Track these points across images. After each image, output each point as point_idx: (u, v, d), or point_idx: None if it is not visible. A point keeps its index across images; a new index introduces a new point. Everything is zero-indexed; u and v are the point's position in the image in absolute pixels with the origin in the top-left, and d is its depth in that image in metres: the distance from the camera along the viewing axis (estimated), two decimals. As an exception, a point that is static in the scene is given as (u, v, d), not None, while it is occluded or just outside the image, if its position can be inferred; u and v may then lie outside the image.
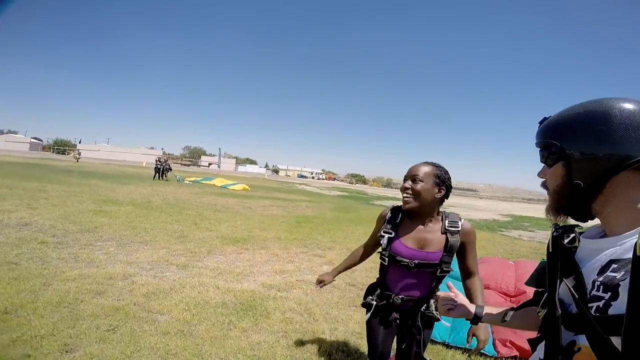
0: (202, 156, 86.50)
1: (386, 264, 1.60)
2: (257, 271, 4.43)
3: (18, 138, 69.35)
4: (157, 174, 20.78)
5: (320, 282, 1.93)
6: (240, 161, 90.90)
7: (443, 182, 1.55)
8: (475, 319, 1.08)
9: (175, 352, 2.39)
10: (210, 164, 72.89)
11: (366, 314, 1.70)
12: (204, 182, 21.34)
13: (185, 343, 2.52)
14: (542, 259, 1.71)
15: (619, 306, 0.59)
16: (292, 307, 3.41)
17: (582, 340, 0.66)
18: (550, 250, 0.82)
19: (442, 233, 1.54)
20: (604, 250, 0.70)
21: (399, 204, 1.64)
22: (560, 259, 0.77)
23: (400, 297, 1.59)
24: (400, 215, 1.62)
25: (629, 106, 0.67)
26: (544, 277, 0.83)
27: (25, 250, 4.21)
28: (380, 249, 1.65)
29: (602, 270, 0.66)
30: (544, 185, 0.82)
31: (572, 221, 0.81)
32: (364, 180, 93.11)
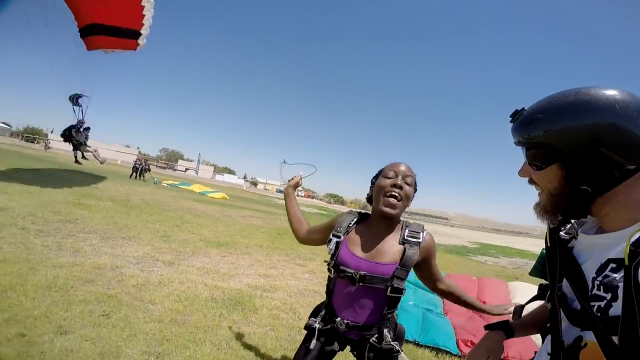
0: (179, 160, 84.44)
1: (332, 275, 1.34)
2: (242, 273, 4.57)
3: (-16, 123, 65.17)
4: (135, 174, 20.33)
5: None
6: (218, 169, 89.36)
7: (415, 192, 1.43)
8: (510, 333, 1.01)
9: (170, 338, 2.51)
10: (187, 169, 71.20)
11: (306, 339, 1.39)
12: (181, 186, 21.00)
13: (180, 330, 2.65)
14: (543, 249, 1.92)
15: (618, 307, 0.59)
16: (277, 305, 3.60)
17: (589, 336, 0.66)
18: (549, 245, 0.81)
19: (399, 243, 1.32)
20: (601, 247, 0.69)
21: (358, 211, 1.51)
22: (559, 254, 0.76)
23: (345, 321, 1.30)
24: (355, 220, 1.42)
25: (628, 98, 0.63)
26: (546, 268, 0.82)
27: (5, 234, 4.16)
28: (327, 258, 1.40)
29: (601, 269, 0.66)
30: (531, 182, 0.78)
31: None
32: (342, 201, 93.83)
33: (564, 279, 0.75)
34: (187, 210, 10.06)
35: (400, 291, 1.28)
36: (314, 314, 1.44)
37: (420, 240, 1.33)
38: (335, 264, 1.32)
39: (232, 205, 15.70)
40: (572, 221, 0.79)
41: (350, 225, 1.40)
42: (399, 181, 1.31)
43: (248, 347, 2.63)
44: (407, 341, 3.20)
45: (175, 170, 69.57)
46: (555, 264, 0.76)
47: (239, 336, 2.74)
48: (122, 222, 6.30)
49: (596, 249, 0.70)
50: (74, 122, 10.89)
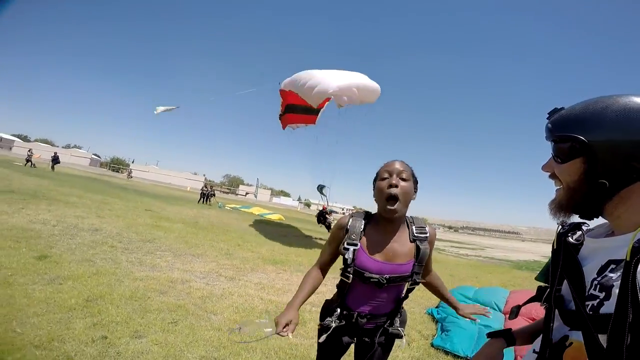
0: (240, 185, 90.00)
1: (349, 281, 1.36)
2: (295, 289, 4.70)
3: (81, 153, 76.88)
4: (202, 199, 22.22)
5: (286, 326, 1.22)
6: (275, 192, 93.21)
7: (417, 182, 1.44)
8: (512, 341, 1.01)
9: (226, 345, 2.74)
10: (247, 193, 75.32)
11: (319, 336, 1.44)
12: (242, 209, 22.32)
13: (235, 339, 2.87)
14: None
15: (610, 306, 0.60)
16: (326, 321, 3.69)
17: (576, 336, 0.68)
18: (555, 247, 0.82)
19: (411, 241, 1.39)
20: (605, 249, 0.70)
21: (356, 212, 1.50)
22: (563, 257, 0.77)
23: (365, 315, 1.40)
24: (364, 224, 1.41)
25: None
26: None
27: (99, 251, 4.90)
28: (341, 265, 1.41)
29: (602, 270, 0.67)
30: (553, 176, 0.80)
31: (576, 218, 0.80)
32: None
33: (565, 280, 0.76)
34: (248, 231, 10.73)
35: (418, 283, 1.41)
36: (327, 312, 1.46)
37: (427, 235, 1.41)
38: (357, 270, 1.34)
39: (287, 225, 16.27)
40: (583, 228, 0.81)
41: (361, 230, 1.38)
42: (394, 180, 1.33)
43: (294, 357, 2.76)
44: (459, 357, 3.10)
45: (237, 194, 73.98)
46: (558, 265, 0.78)
47: (287, 347, 2.89)
48: (192, 241, 6.97)
49: (600, 252, 0.71)
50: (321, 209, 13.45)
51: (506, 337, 1.00)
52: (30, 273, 3.51)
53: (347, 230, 1.39)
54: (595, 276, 0.68)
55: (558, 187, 0.79)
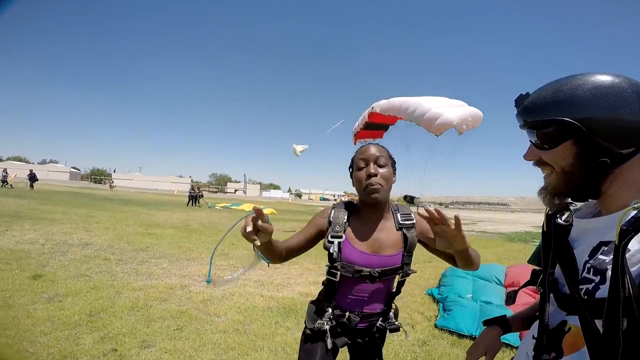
0: (227, 183, 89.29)
1: (337, 279, 1.25)
2: (294, 282, 4.85)
3: (59, 167, 74.77)
4: (191, 201, 22.03)
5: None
6: (264, 187, 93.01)
7: (395, 165, 1.35)
8: (507, 328, 1.01)
9: (234, 346, 2.79)
10: (236, 190, 74.88)
11: (306, 342, 1.34)
12: (233, 207, 22.18)
13: (241, 339, 2.93)
14: None
15: (606, 290, 0.58)
16: (329, 312, 3.78)
17: (573, 321, 0.67)
18: (545, 230, 0.81)
19: (397, 229, 1.31)
20: (595, 230, 0.69)
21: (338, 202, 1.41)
22: (553, 239, 0.76)
23: (357, 314, 1.29)
24: (347, 214, 1.31)
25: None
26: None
27: (92, 265, 4.85)
28: (327, 262, 1.30)
29: (593, 252, 0.67)
30: (539, 164, 0.77)
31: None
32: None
33: (557, 264, 0.75)
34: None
35: (408, 275, 1.31)
36: (317, 313, 1.33)
37: (414, 221, 1.32)
38: (345, 265, 1.24)
39: (280, 218, 16.29)
40: (571, 208, 0.79)
41: (345, 221, 1.28)
42: (372, 169, 1.23)
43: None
44: (464, 336, 3.19)
45: (226, 192, 73.38)
46: (549, 249, 0.77)
47: (293, 341, 2.95)
48: (185, 245, 6.95)
49: (590, 233, 0.70)
50: None
51: (501, 324, 1.00)
52: (28, 293, 3.47)
53: (330, 222, 1.29)
54: (588, 259, 0.67)
55: (546, 174, 0.76)
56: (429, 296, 4.47)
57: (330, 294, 1.31)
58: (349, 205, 1.37)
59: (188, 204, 21.85)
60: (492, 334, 1.00)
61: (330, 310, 1.30)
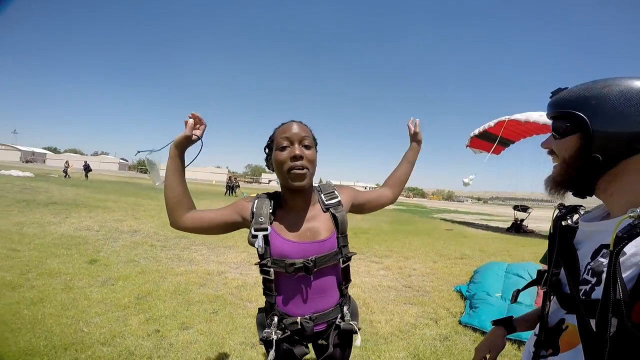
0: (262, 173, 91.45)
1: (272, 277, 1.13)
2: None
3: (109, 159, 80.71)
4: (228, 191, 23.00)
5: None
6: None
7: (316, 146, 1.23)
8: (511, 328, 1.05)
9: (262, 331, 3.00)
10: (270, 181, 76.55)
11: (267, 354, 1.18)
12: (267, 197, 22.86)
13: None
14: None
15: (600, 291, 0.61)
16: (353, 301, 3.90)
17: (571, 320, 0.70)
18: (552, 231, 0.84)
19: (324, 211, 1.21)
20: (598, 233, 0.72)
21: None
22: (558, 241, 0.79)
23: (309, 317, 1.15)
24: (271, 203, 1.19)
25: None
26: None
27: (140, 251, 5.31)
28: (257, 260, 1.20)
29: (595, 254, 0.69)
30: (550, 153, 0.81)
31: (572, 199, 0.81)
32: (422, 194, 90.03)
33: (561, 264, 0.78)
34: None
35: (349, 257, 1.22)
36: (263, 325, 1.22)
37: (339, 198, 1.24)
38: (275, 261, 1.12)
39: (313, 210, 16.51)
40: (580, 211, 0.83)
41: (270, 211, 1.16)
42: (297, 150, 1.11)
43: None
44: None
45: (260, 182, 75.23)
46: (554, 250, 0.79)
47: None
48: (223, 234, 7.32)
49: (594, 235, 0.73)
50: None
51: (506, 324, 1.05)
52: (85, 277, 3.90)
53: (253, 213, 1.15)
54: (589, 260, 0.69)
55: (555, 164, 0.80)
56: (457, 293, 4.43)
57: (271, 297, 1.18)
58: (272, 195, 1.24)
59: (226, 193, 22.83)
60: (497, 333, 1.06)
61: (276, 318, 1.16)
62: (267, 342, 1.15)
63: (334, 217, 1.20)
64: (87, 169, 25.85)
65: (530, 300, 3.80)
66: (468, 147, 14.27)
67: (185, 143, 1.19)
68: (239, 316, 3.23)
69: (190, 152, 1.23)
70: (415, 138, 1.61)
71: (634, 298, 0.56)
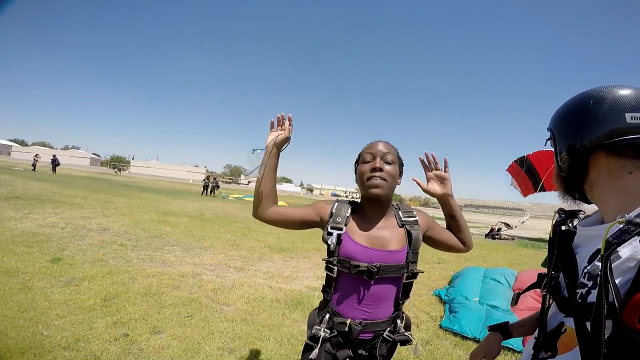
0: (241, 174, 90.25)
1: (334, 275, 1.18)
2: (302, 276, 4.90)
3: (80, 153, 77.40)
4: (205, 191, 22.42)
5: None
6: (277, 180, 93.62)
7: (402, 165, 1.32)
8: (507, 334, 1.07)
9: (241, 335, 2.86)
10: (249, 182, 75.72)
11: (304, 352, 1.25)
12: (246, 198, 22.47)
13: (249, 329, 2.99)
14: None
15: (595, 295, 0.62)
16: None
17: (570, 323, 0.71)
18: (551, 236, 0.85)
19: (400, 226, 1.25)
20: (595, 238, 0.73)
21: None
22: (557, 245, 0.81)
23: (359, 322, 1.16)
24: (350, 209, 1.26)
25: (601, 92, 0.73)
26: None
27: (109, 250, 5.02)
28: (325, 256, 1.24)
29: (591, 258, 0.70)
30: None
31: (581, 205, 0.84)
32: (399, 199, 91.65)
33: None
34: (253, 220, 10.60)
35: (416, 276, 1.22)
36: (312, 325, 1.24)
37: (417, 218, 1.28)
38: (341, 260, 1.17)
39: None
40: (580, 216, 0.85)
41: (348, 215, 1.23)
42: (378, 163, 1.19)
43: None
44: (467, 338, 3.18)
45: (239, 184, 74.24)
46: (553, 253, 0.81)
47: (299, 333, 3.00)
48: (199, 234, 7.10)
49: (591, 240, 0.74)
50: None
51: (502, 330, 1.06)
52: (46, 276, 3.62)
53: (331, 214, 1.24)
54: (586, 264, 0.70)
55: None
56: (436, 297, 4.45)
57: (328, 294, 1.22)
58: (352, 202, 1.32)
59: (202, 193, 22.26)
60: (493, 339, 1.07)
61: (328, 316, 1.20)
62: (313, 340, 1.18)
63: (409, 234, 1.23)
64: (54, 162, 24.58)
65: (507, 304, 3.88)
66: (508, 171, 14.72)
67: (284, 143, 1.32)
68: (216, 320, 3.09)
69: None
70: (443, 186, 1.36)
71: (625, 301, 0.57)
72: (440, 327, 3.44)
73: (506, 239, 14.61)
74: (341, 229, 1.18)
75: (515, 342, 2.93)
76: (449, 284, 4.82)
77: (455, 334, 3.28)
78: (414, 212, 1.30)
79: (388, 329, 1.21)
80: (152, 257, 4.92)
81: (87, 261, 4.34)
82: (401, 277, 1.21)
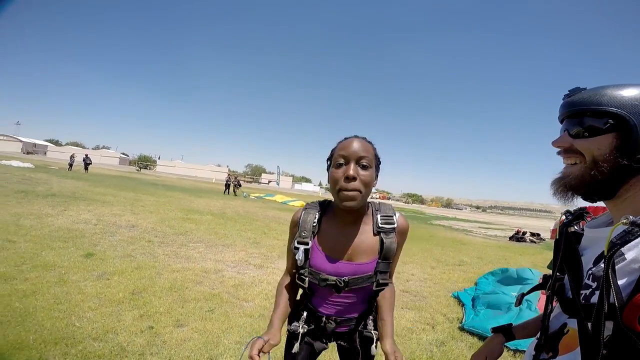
0: (262, 174, 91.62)
1: (306, 286, 1.17)
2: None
3: (110, 153, 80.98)
4: (227, 190, 22.97)
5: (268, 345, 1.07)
6: (296, 179, 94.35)
7: (379, 163, 1.19)
8: (510, 336, 1.05)
9: (258, 330, 2.94)
10: (269, 182, 76.58)
11: (287, 344, 1.27)
12: (266, 198, 22.83)
13: (266, 324, 3.02)
14: None
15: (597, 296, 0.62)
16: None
17: (572, 324, 0.71)
18: (557, 237, 0.84)
19: (374, 234, 1.16)
20: (602, 240, 0.69)
21: (320, 201, 1.27)
22: (563, 246, 0.80)
23: (333, 319, 1.20)
24: (317, 216, 1.18)
25: None
26: None
27: (137, 246, 5.26)
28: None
29: (597, 260, 0.69)
30: (567, 151, 0.77)
31: (581, 202, 0.80)
32: (421, 200, 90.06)
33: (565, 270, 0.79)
34: (273, 219, 11.04)
35: (385, 285, 1.18)
36: (295, 317, 1.26)
37: (395, 225, 1.17)
38: (312, 272, 1.14)
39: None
40: (586, 218, 0.84)
41: (314, 224, 1.16)
42: (352, 170, 1.05)
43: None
44: (484, 339, 3.13)
45: (260, 183, 75.28)
46: (559, 255, 0.80)
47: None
48: (221, 232, 7.33)
49: (598, 242, 0.73)
50: None
51: (505, 332, 1.05)
52: (80, 270, 3.86)
53: (298, 226, 1.17)
54: (591, 266, 0.70)
55: (571, 163, 0.76)
56: (454, 299, 4.39)
57: (307, 297, 1.24)
58: (323, 204, 1.24)
59: (225, 192, 22.80)
60: (495, 341, 1.06)
61: (305, 314, 1.23)
62: (293, 335, 1.22)
63: (382, 242, 1.14)
64: (87, 162, 25.84)
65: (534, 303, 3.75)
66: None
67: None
68: (235, 315, 3.20)
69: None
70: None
71: (626, 302, 0.57)
72: (463, 328, 3.39)
73: (532, 242, 14.04)
74: (307, 243, 1.13)
75: (525, 343, 2.83)
76: (474, 285, 4.74)
77: (473, 335, 3.24)
78: (394, 218, 1.18)
79: (361, 324, 1.23)
80: (177, 254, 5.13)
81: (117, 256, 4.58)
82: (370, 285, 1.16)
